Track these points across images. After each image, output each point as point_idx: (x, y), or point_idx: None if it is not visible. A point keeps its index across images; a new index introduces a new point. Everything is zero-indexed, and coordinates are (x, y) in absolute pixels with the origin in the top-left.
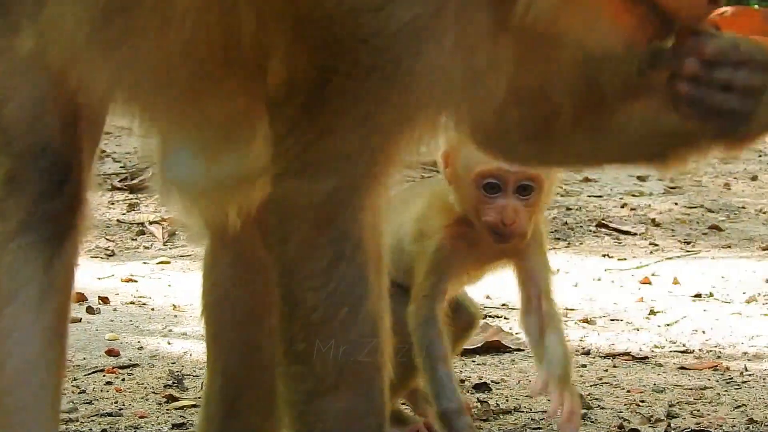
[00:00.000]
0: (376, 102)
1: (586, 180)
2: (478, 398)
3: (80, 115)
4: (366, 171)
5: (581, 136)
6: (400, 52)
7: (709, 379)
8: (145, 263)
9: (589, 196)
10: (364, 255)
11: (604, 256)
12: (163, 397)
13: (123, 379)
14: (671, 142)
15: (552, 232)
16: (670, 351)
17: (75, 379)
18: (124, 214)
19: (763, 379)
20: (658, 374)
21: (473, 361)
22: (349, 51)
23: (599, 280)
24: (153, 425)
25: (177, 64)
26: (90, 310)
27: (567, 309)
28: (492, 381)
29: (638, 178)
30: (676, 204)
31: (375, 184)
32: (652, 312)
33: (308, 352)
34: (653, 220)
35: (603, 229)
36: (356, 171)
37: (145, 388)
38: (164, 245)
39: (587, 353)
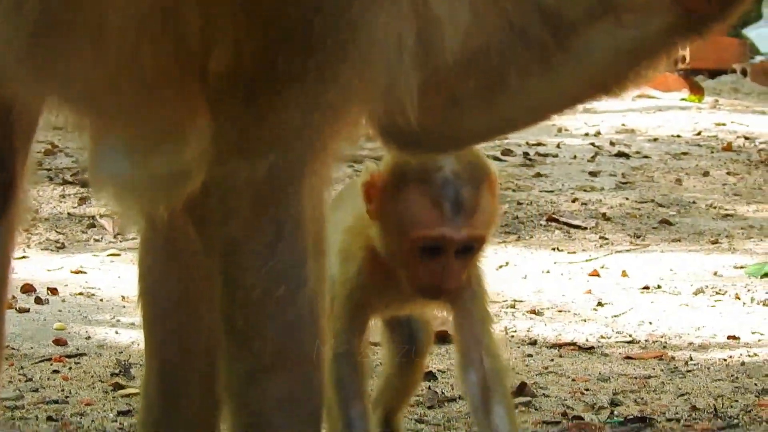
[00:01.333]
0: (323, 76)
1: (538, 175)
2: (424, 386)
3: (12, 109)
4: (307, 149)
5: (537, 79)
6: (356, 15)
7: (653, 369)
8: (95, 255)
9: (541, 191)
10: (303, 236)
11: (554, 249)
12: (109, 385)
13: (70, 368)
14: (637, 55)
15: (503, 225)
16: (616, 341)
17: (22, 368)
18: (75, 207)
19: (708, 368)
20: (604, 364)
21: None
22: (302, 23)
23: (548, 272)
24: (99, 412)
25: (115, 77)
26: (38, 301)
27: (515, 300)
28: (438, 370)
29: (590, 173)
30: (627, 199)
31: (316, 164)
32: (600, 304)
33: (247, 332)
34: (604, 214)
35: (553, 223)
36: (297, 148)
37: (92, 376)
38: (114, 238)
39: (533, 343)
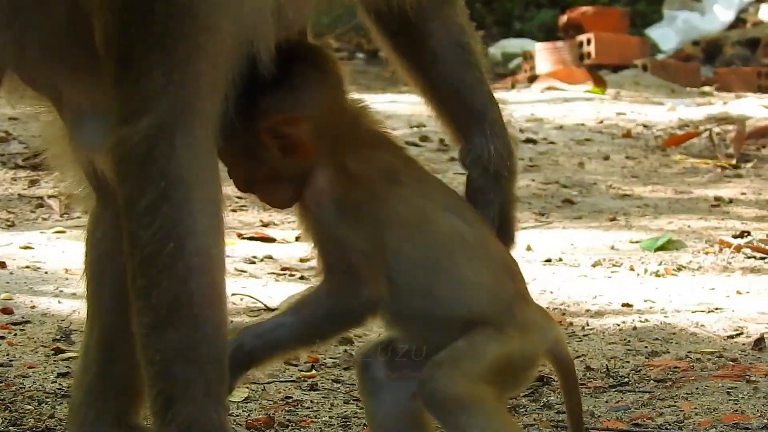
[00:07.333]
0: (173, 39)
1: (452, 159)
2: (340, 349)
3: None
4: (174, 108)
5: None
6: None
7: None
8: (42, 233)
9: (455, 173)
10: (188, 192)
11: None
12: (51, 349)
13: (15, 334)
14: None
15: None
16: None
17: None
18: (25, 189)
19: (603, 333)
20: None
21: None
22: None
23: None
24: (41, 374)
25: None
26: None
27: None
28: (355, 335)
29: None
30: (533, 180)
31: (188, 122)
32: None
33: (145, 287)
34: None
35: None
36: (165, 109)
37: (35, 341)
38: (61, 217)
39: None
